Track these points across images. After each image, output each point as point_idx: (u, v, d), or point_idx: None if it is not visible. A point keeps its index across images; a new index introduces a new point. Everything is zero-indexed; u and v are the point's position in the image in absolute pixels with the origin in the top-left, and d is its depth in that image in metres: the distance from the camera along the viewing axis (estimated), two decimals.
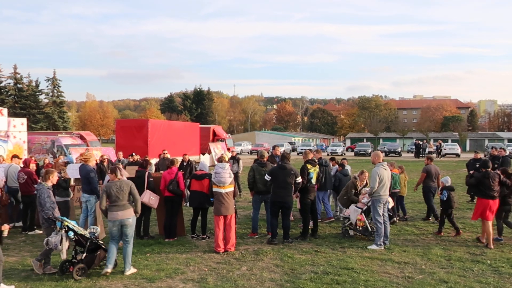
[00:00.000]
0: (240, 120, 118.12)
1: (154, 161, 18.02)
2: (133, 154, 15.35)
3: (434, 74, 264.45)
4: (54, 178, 7.72)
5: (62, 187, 9.80)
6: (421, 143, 45.68)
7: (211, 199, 9.01)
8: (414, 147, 47.01)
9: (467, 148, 73.94)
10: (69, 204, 9.99)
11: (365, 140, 79.06)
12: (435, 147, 45.14)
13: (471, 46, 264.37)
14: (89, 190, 9.37)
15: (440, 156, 42.88)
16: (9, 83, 67.45)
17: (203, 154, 27.50)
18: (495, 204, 8.88)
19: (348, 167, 12.28)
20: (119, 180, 7.32)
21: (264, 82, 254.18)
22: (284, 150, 12.22)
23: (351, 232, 9.62)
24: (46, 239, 7.11)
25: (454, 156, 45.72)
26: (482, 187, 8.91)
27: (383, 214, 8.93)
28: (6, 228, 6.61)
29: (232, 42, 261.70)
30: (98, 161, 14.18)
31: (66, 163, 14.51)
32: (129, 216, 7.23)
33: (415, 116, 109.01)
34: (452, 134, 79.80)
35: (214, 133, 34.30)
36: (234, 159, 15.94)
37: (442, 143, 47.63)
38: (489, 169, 9.04)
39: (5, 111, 18.13)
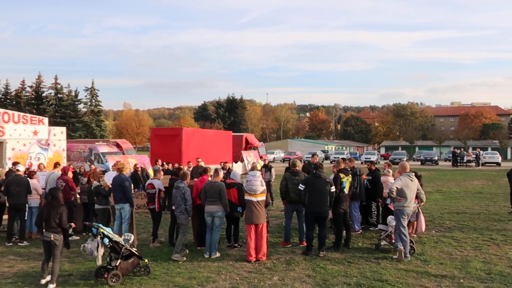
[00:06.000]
0: (272, 128, 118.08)
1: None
2: (164, 163, 16.18)
3: (472, 80, 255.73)
4: (189, 179, 9.27)
5: (102, 195, 10.03)
6: (458, 151, 44.32)
7: (238, 209, 9.08)
8: (451, 155, 45.60)
9: (508, 156, 71.24)
10: (108, 212, 10.24)
11: (400, 148, 77.46)
12: (474, 156, 43.70)
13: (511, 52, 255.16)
14: (123, 198, 9.53)
15: (479, 165, 41.53)
16: (50, 93, 70.41)
17: (236, 162, 27.66)
18: None
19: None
20: (214, 181, 8.88)
21: (297, 90, 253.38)
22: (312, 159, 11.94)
23: (383, 243, 9.36)
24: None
25: (495, 165, 44.18)
26: None
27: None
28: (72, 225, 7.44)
29: (266, 51, 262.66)
30: (132, 169, 14.51)
31: (104, 172, 14.89)
32: (218, 210, 8.73)
33: (452, 124, 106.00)
34: (492, 142, 77.12)
35: (247, 141, 34.47)
36: (267, 168, 15.92)
37: (481, 152, 46.09)
38: None
39: (46, 120, 18.87)
